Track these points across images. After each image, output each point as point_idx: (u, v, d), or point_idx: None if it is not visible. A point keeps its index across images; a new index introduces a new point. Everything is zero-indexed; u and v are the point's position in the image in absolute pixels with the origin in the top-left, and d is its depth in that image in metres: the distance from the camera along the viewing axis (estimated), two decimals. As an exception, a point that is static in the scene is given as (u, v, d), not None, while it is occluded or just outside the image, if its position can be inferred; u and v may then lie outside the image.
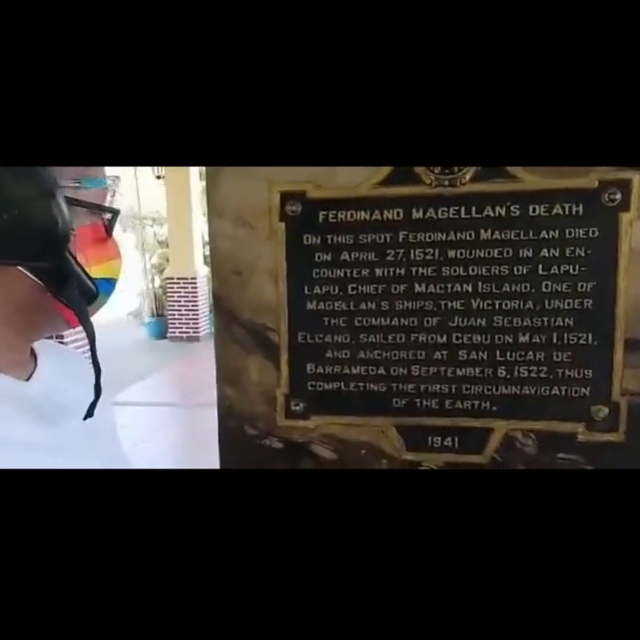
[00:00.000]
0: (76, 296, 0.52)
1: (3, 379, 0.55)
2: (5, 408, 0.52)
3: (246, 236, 1.00)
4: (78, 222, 0.53)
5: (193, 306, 9.02)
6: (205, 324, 9.20)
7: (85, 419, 0.54)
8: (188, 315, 9.11)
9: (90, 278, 0.54)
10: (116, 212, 0.56)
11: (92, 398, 0.58)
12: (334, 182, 0.98)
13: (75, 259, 0.52)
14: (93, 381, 0.58)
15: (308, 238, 0.98)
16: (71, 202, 0.51)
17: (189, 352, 7.92)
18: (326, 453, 1.06)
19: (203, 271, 8.92)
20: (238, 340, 1.03)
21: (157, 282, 9.62)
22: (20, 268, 0.49)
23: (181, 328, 9.13)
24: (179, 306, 8.94)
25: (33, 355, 0.61)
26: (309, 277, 0.99)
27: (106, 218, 0.55)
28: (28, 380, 0.57)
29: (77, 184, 0.51)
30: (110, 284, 0.57)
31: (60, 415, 0.55)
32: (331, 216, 0.98)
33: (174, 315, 9.07)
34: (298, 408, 1.04)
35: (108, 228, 0.55)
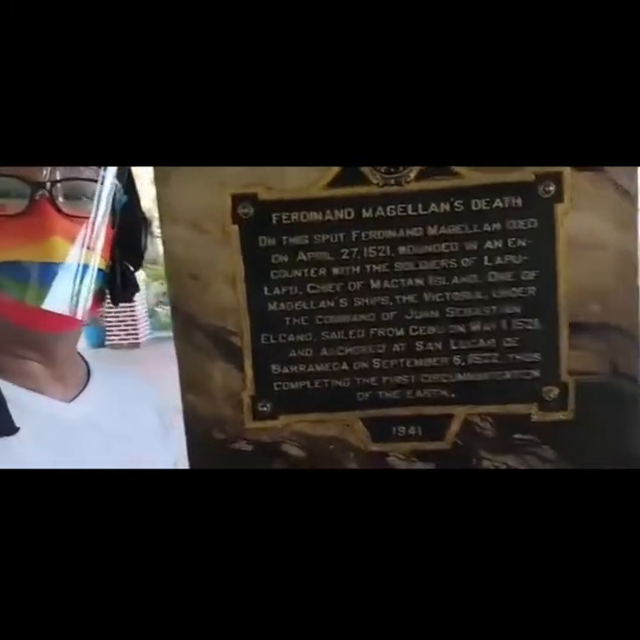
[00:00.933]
0: None
1: (39, 399, 0.54)
2: (41, 432, 0.51)
3: (201, 240, 1.03)
4: None
5: (131, 311, 8.71)
6: (146, 329, 8.97)
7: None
8: (126, 321, 8.79)
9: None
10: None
11: (148, 425, 0.57)
12: (284, 184, 1.03)
13: None
14: (153, 407, 0.58)
15: (263, 240, 1.03)
16: None
17: (132, 359, 7.69)
18: (296, 451, 1.12)
19: (139, 275, 8.70)
20: (199, 345, 1.07)
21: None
22: None
23: (120, 335, 8.81)
24: (116, 312, 8.59)
25: (86, 373, 0.60)
26: (268, 279, 1.04)
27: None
28: (70, 401, 0.57)
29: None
30: (21, 269, 0.51)
31: (105, 443, 0.53)
32: (284, 217, 1.03)
33: (112, 321, 8.72)
34: (265, 409, 1.09)
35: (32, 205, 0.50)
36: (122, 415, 0.60)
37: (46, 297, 0.51)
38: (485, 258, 1.08)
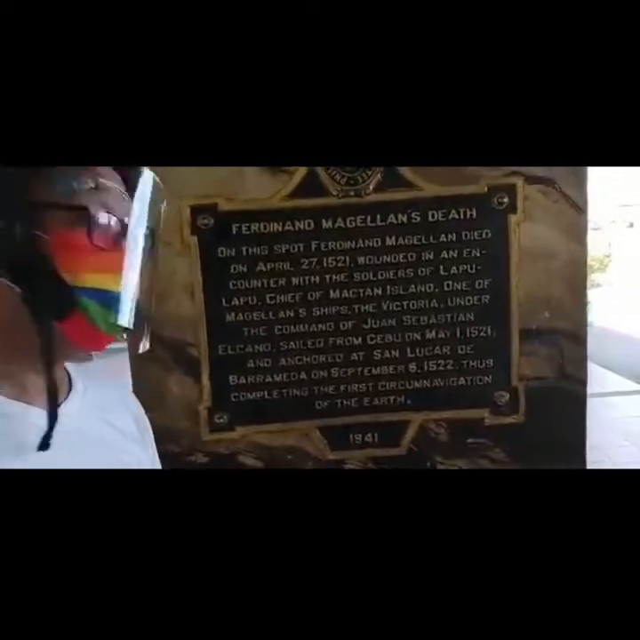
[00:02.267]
0: (44, 309, 0.53)
1: (26, 408, 0.57)
2: (28, 439, 0.54)
3: (160, 252, 1.06)
4: (50, 226, 0.53)
5: None
6: None
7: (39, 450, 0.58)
8: None
9: (66, 289, 0.54)
10: (86, 211, 0.56)
11: (129, 434, 0.61)
12: (245, 195, 1.07)
13: (47, 267, 0.53)
14: (132, 415, 0.62)
15: (222, 251, 1.06)
16: (36, 204, 0.52)
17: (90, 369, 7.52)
18: (253, 462, 1.16)
19: None
20: (157, 357, 1.09)
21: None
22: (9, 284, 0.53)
23: None
24: None
25: (68, 383, 0.63)
26: (226, 289, 1.08)
27: (94, 224, 0.56)
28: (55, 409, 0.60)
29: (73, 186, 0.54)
30: (102, 294, 0.56)
31: (86, 450, 0.57)
32: (244, 228, 1.06)
33: None
34: (222, 420, 1.13)
35: (91, 235, 0.52)
36: (102, 422, 0.65)
37: (117, 325, 0.58)
38: (441, 267, 1.15)
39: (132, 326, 0.57)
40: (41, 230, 0.55)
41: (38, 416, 0.57)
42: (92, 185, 0.57)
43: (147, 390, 1.10)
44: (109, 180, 0.58)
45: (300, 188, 1.06)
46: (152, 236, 0.59)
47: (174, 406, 1.11)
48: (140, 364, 1.07)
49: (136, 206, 0.58)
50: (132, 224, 0.57)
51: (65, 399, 0.61)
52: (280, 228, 1.06)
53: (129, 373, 1.10)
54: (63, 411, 0.60)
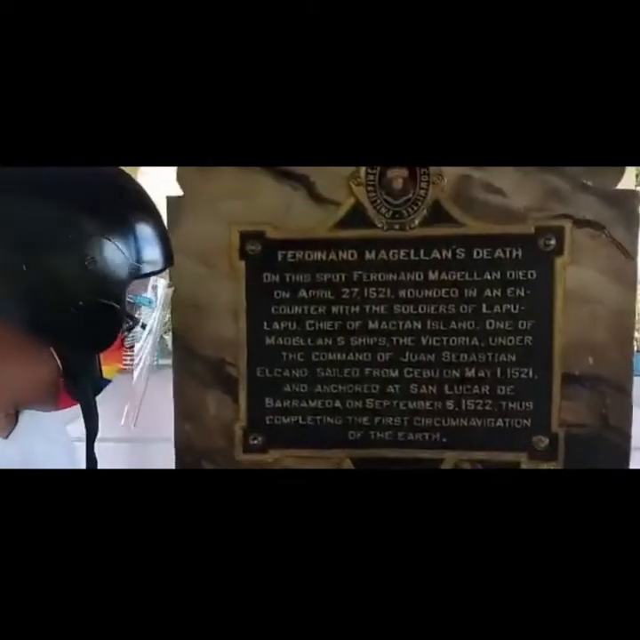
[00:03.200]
0: (87, 390, 0.57)
1: None
2: None
3: (206, 274, 1.10)
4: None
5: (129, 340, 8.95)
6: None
7: None
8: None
9: (101, 377, 0.58)
10: (138, 324, 0.59)
11: (65, 460, 0.65)
12: (291, 224, 1.10)
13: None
14: (67, 443, 0.66)
15: (267, 276, 1.10)
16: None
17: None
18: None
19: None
20: (197, 374, 1.14)
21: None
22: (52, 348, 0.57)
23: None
24: None
25: (14, 414, 0.67)
26: (268, 314, 1.11)
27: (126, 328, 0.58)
28: (7, 436, 0.63)
29: (131, 298, 0.59)
30: (105, 383, 0.60)
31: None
32: (289, 256, 1.10)
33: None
34: (256, 442, 1.15)
35: (124, 337, 0.59)
36: (49, 440, 0.67)
37: None
38: (484, 305, 1.14)
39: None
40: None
41: None
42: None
43: (185, 405, 1.14)
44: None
45: (346, 219, 1.10)
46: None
47: (211, 423, 1.14)
48: (180, 379, 1.12)
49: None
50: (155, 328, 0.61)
51: (14, 424, 0.64)
52: (324, 257, 1.10)
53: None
54: (16, 434, 0.62)
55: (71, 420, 0.72)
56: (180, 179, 1.03)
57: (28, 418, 0.65)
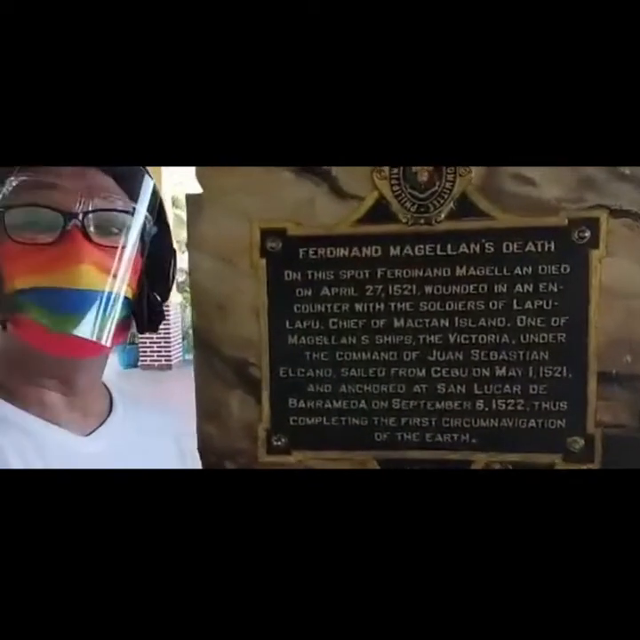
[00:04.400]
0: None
1: (55, 432, 0.55)
2: (55, 466, 0.52)
3: (227, 272, 1.09)
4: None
5: (165, 333, 9.06)
6: (178, 351, 9.30)
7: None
8: (159, 342, 9.14)
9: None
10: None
11: (168, 460, 0.62)
12: (313, 220, 1.08)
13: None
14: (173, 439, 0.64)
15: (288, 274, 1.08)
16: None
17: (161, 382, 7.88)
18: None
19: (176, 298, 9.06)
20: (219, 374, 1.13)
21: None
22: None
23: (153, 356, 9.16)
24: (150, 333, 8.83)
25: (109, 405, 0.65)
26: (291, 312, 1.09)
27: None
28: (88, 434, 0.61)
29: None
30: (48, 295, 0.55)
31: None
32: (311, 252, 1.08)
33: (145, 342, 9.08)
34: (280, 443, 1.13)
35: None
36: (139, 449, 0.63)
37: (71, 323, 0.53)
38: (515, 301, 1.10)
39: (70, 331, 0.55)
40: None
41: (60, 433, 0.57)
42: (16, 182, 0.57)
43: (208, 405, 1.13)
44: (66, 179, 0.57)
45: (370, 215, 1.07)
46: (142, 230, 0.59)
47: (234, 424, 1.13)
48: (202, 379, 1.10)
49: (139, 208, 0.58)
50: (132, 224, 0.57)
51: (103, 422, 0.61)
52: (347, 254, 1.07)
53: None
54: (100, 434, 0.60)
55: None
56: (199, 176, 1.02)
57: (126, 413, 0.63)
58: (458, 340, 1.11)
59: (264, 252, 1.08)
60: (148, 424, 0.64)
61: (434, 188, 1.06)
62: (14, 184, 0.54)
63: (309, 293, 1.09)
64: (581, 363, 1.09)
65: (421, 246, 1.08)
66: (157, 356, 9.05)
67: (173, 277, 0.64)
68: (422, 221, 1.08)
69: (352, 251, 1.08)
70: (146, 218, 0.59)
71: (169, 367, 8.90)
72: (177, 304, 9.12)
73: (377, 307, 1.10)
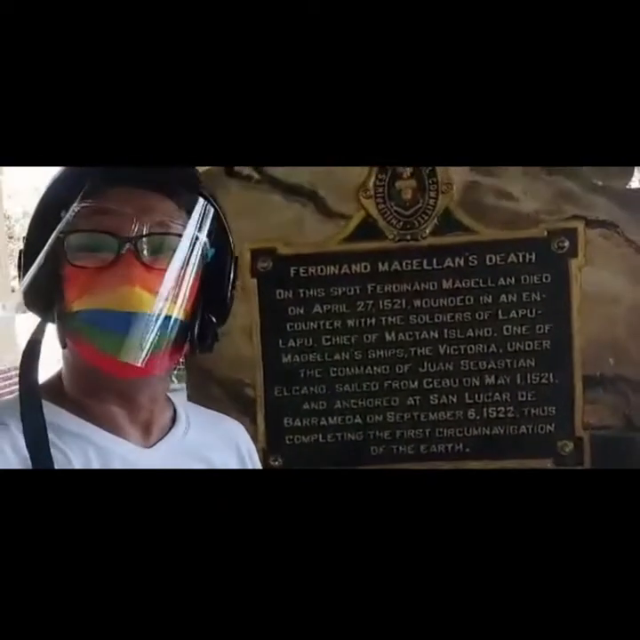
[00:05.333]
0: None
1: (118, 444, 0.56)
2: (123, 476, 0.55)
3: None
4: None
5: None
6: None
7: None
8: None
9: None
10: None
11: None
12: (302, 239, 1.10)
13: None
14: (236, 451, 0.63)
15: (280, 293, 1.09)
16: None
17: None
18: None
19: None
20: (213, 397, 1.12)
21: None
22: None
23: None
24: None
25: (172, 418, 0.64)
26: (283, 331, 1.10)
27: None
28: (151, 446, 0.60)
29: None
30: (100, 317, 0.57)
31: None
32: (301, 271, 1.10)
33: None
34: (277, 463, 1.13)
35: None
36: (200, 460, 0.64)
37: (118, 346, 0.54)
38: (500, 311, 1.13)
39: (118, 355, 0.56)
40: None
41: (123, 445, 0.57)
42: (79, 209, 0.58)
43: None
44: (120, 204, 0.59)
45: (357, 232, 1.09)
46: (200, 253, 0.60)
47: (229, 447, 1.12)
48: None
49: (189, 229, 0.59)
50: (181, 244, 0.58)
51: (166, 434, 0.61)
52: (336, 271, 1.09)
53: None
54: (162, 445, 0.60)
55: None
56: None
57: (194, 424, 0.62)
58: (448, 352, 1.13)
59: (255, 272, 1.09)
60: (209, 435, 0.65)
61: (418, 205, 1.09)
62: (76, 210, 0.56)
63: (301, 311, 1.10)
64: (567, 368, 1.13)
65: (409, 261, 1.11)
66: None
67: (231, 299, 0.66)
68: (408, 237, 1.10)
69: (342, 268, 1.09)
70: (202, 240, 0.60)
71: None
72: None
73: (368, 322, 1.11)
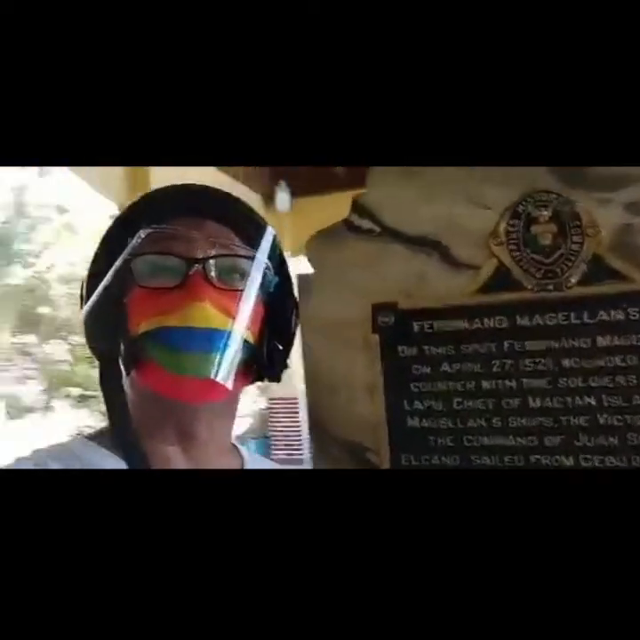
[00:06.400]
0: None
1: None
2: None
3: (339, 350, 0.93)
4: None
5: (295, 426, 9.09)
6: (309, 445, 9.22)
7: None
8: (291, 436, 9.19)
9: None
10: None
11: None
12: (426, 292, 0.91)
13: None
14: None
15: (403, 350, 0.92)
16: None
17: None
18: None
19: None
20: (335, 460, 1.01)
21: (262, 402, 9.81)
22: None
23: (285, 450, 9.19)
24: (282, 426, 8.85)
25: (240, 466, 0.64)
26: (408, 391, 0.91)
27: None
28: None
29: None
30: (166, 334, 0.57)
31: None
32: (426, 326, 0.92)
33: (277, 435, 9.14)
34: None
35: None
36: None
37: (188, 362, 0.53)
38: (673, 374, 0.94)
39: (184, 371, 0.52)
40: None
41: None
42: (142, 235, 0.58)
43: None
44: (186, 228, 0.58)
45: (489, 283, 0.95)
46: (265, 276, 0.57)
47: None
48: (318, 466, 1.02)
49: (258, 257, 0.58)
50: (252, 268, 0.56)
51: None
52: (467, 326, 0.96)
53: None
54: None
55: None
56: (309, 254, 1.02)
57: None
58: (609, 422, 0.93)
59: (376, 328, 0.99)
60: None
61: (560, 250, 0.96)
62: (143, 236, 0.58)
63: (428, 370, 0.97)
64: None
65: (553, 314, 0.94)
66: (290, 449, 8.98)
67: (295, 327, 0.65)
68: (551, 287, 0.95)
69: (473, 322, 0.96)
70: (266, 266, 0.59)
71: (300, 462, 8.78)
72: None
73: (508, 384, 0.97)
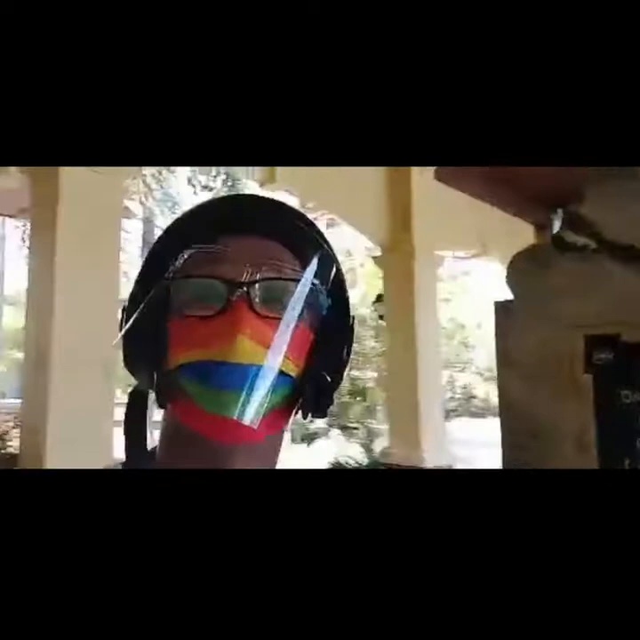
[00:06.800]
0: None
1: None
2: None
3: (543, 392, 0.88)
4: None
5: None
6: None
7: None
8: None
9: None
10: None
11: None
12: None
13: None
14: None
15: (626, 395, 0.81)
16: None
17: None
18: None
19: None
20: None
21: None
22: None
23: None
24: None
25: None
26: (631, 447, 0.79)
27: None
28: None
29: None
30: (202, 369, 0.55)
31: None
32: (655, 366, 0.79)
33: None
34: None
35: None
36: None
37: (222, 401, 0.51)
38: None
39: (214, 409, 0.48)
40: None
41: None
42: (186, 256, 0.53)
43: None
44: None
45: None
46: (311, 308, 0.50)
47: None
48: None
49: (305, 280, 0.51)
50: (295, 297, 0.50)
51: None
52: None
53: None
54: None
55: None
56: (509, 280, 0.89)
57: None
58: None
59: (590, 366, 0.83)
60: None
61: None
62: (185, 257, 0.58)
63: None
64: None
65: None
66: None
67: (348, 357, 0.57)
68: None
69: None
70: (317, 289, 0.54)
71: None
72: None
73: None
